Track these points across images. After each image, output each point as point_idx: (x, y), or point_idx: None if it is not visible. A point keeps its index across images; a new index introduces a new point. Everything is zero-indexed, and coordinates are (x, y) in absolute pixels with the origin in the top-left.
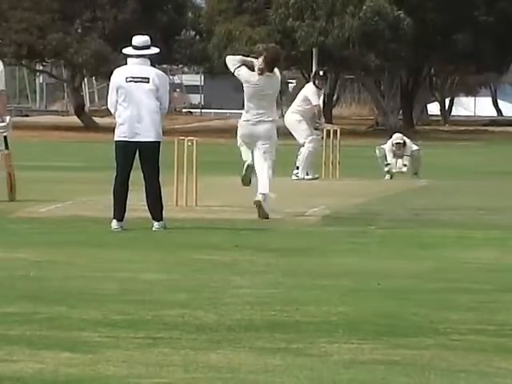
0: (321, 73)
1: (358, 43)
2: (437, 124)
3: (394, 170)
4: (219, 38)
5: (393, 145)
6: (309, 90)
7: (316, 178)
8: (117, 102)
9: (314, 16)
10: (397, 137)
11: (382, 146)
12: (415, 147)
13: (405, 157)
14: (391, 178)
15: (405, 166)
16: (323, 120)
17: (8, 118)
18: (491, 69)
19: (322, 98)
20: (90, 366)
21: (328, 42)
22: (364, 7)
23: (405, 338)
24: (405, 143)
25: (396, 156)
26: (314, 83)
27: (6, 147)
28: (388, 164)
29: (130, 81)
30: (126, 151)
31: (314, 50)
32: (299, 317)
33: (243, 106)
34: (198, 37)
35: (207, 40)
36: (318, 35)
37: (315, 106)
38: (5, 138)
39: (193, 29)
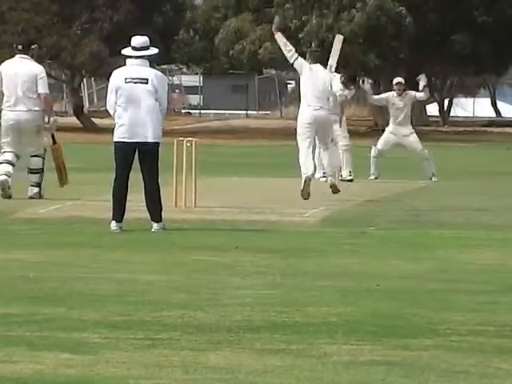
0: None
1: (362, 39)
2: (436, 125)
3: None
4: (225, 33)
5: (394, 87)
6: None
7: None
8: (116, 103)
9: (320, 13)
10: (397, 79)
11: (378, 147)
12: (419, 144)
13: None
14: (376, 178)
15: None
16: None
17: (52, 119)
18: (490, 70)
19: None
20: (90, 367)
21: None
22: (368, 1)
23: (404, 339)
24: (405, 89)
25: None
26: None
27: (54, 142)
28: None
29: (129, 82)
30: (125, 152)
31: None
32: (299, 318)
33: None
34: (196, 36)
35: (206, 40)
36: (323, 31)
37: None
38: (52, 135)
39: (191, 28)
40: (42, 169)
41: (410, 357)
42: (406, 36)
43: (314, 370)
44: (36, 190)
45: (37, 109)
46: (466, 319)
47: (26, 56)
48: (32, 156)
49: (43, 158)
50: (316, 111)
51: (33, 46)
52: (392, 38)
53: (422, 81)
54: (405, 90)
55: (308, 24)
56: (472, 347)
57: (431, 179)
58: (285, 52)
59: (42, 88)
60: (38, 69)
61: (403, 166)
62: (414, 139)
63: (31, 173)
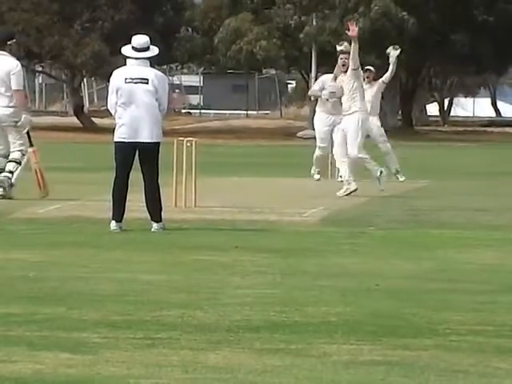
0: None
1: (365, 44)
2: (436, 125)
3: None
4: (225, 31)
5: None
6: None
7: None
8: (116, 103)
9: (323, 15)
10: (367, 67)
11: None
12: (384, 135)
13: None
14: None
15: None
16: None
17: (23, 116)
18: (490, 70)
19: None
20: (90, 367)
21: (336, 41)
22: (373, 7)
23: (404, 339)
24: (375, 78)
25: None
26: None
27: (31, 144)
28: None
29: (129, 82)
30: (126, 152)
31: (313, 51)
32: (298, 317)
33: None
34: (196, 34)
35: (206, 37)
36: (326, 34)
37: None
38: (28, 134)
39: (191, 26)
40: (20, 162)
41: (410, 356)
42: (407, 38)
43: (313, 369)
44: (6, 174)
45: (15, 105)
46: (466, 319)
47: (2, 52)
48: (13, 151)
49: (23, 154)
50: None
51: (9, 42)
52: (394, 40)
53: (392, 54)
54: (374, 80)
55: (307, 25)
56: (471, 347)
57: (396, 176)
58: None
59: (15, 84)
60: (12, 64)
61: (403, 166)
62: (377, 131)
63: (9, 161)
